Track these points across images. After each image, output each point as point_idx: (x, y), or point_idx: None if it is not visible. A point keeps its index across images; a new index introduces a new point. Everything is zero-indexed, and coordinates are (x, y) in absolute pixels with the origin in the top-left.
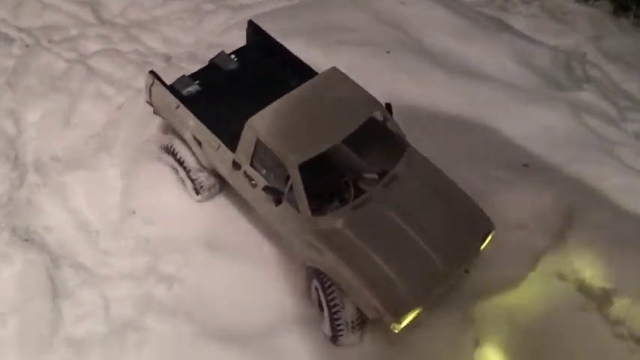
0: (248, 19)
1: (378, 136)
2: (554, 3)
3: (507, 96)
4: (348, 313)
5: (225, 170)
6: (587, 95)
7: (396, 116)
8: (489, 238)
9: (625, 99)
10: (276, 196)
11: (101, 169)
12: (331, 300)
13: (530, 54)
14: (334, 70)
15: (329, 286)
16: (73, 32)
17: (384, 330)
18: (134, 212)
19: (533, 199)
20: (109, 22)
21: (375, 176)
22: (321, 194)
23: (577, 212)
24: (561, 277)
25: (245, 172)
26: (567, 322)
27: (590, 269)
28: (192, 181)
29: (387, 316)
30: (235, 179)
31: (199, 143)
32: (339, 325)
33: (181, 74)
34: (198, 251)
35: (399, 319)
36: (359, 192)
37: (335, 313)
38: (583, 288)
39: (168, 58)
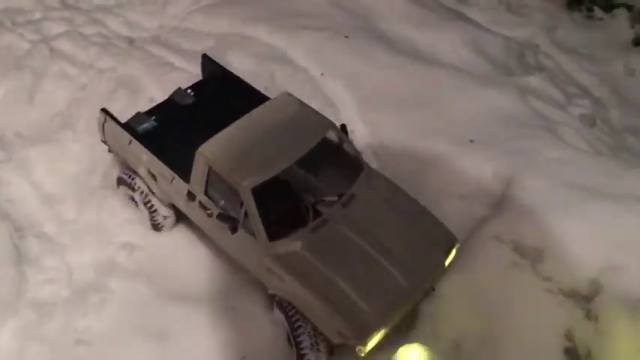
0: (203, 53)
1: (334, 158)
2: None
3: (459, 79)
4: (312, 339)
5: (181, 202)
6: (536, 80)
7: (349, 95)
8: (454, 251)
9: (574, 86)
10: (231, 223)
11: (65, 144)
12: (295, 329)
13: (484, 42)
14: (286, 95)
15: (293, 315)
16: (37, 15)
17: (352, 355)
18: (99, 187)
19: (477, 171)
20: (72, 7)
21: (335, 198)
22: (279, 220)
23: (515, 182)
24: (498, 239)
25: (200, 202)
26: (503, 279)
27: (524, 231)
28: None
29: (352, 339)
30: (191, 210)
31: (154, 177)
32: (303, 353)
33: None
34: None
35: (364, 341)
36: (318, 215)
37: (300, 342)
38: (518, 248)
39: (131, 41)
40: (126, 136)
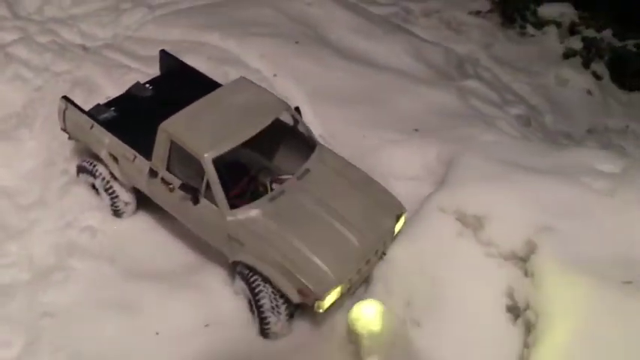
0: (160, 49)
1: (288, 138)
2: (451, 15)
3: (402, 80)
4: (273, 302)
5: (142, 181)
6: (474, 83)
7: (301, 92)
8: (402, 220)
9: (511, 94)
10: (193, 193)
11: (21, 142)
12: (257, 294)
13: (426, 52)
14: (243, 79)
15: (253, 281)
16: None
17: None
18: (58, 178)
19: (422, 155)
20: (24, 17)
21: (290, 177)
22: (239, 193)
23: (455, 161)
24: (443, 210)
25: (162, 178)
26: (449, 246)
27: (465, 202)
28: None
29: (311, 296)
30: (153, 188)
31: (115, 160)
32: (265, 316)
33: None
34: None
35: (323, 297)
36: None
37: (260, 305)
38: (460, 218)
39: (85, 48)
40: (87, 120)
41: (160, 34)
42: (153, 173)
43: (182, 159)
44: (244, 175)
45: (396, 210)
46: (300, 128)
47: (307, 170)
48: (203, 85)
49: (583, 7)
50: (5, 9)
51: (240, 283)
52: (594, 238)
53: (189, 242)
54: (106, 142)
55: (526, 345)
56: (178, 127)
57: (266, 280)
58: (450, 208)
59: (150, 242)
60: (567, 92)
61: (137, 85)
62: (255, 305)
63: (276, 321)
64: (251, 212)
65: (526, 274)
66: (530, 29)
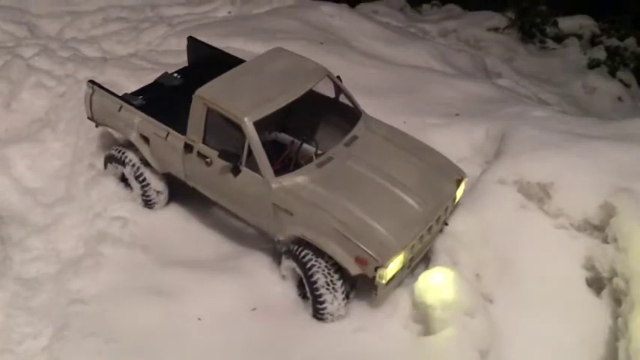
0: (188, 35)
1: (331, 113)
2: (469, 33)
3: (434, 75)
4: (327, 278)
5: (176, 161)
6: (507, 82)
7: None
8: (462, 186)
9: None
10: (234, 160)
11: (45, 143)
12: (308, 269)
13: (452, 56)
14: (279, 48)
15: (304, 256)
16: (10, 44)
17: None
18: (85, 173)
19: (469, 134)
20: (45, 37)
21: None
22: (280, 170)
23: (508, 135)
24: (502, 182)
25: (198, 152)
26: (513, 220)
27: (526, 171)
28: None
29: (371, 262)
30: (189, 165)
31: (147, 141)
32: (319, 294)
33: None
34: None
35: (385, 263)
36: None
37: (314, 282)
38: (522, 189)
39: (105, 59)
40: (116, 102)
41: (183, 44)
42: (188, 148)
43: (220, 128)
44: (285, 149)
45: (456, 174)
46: (343, 97)
47: (355, 137)
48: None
49: (603, 17)
50: (26, 31)
51: (288, 263)
52: None
53: (225, 232)
54: (136, 122)
55: (619, 315)
56: (215, 92)
57: (318, 253)
58: (511, 180)
59: (184, 233)
60: (597, 100)
61: (165, 75)
62: (307, 283)
63: (332, 299)
64: (298, 179)
65: (606, 240)
66: (550, 43)
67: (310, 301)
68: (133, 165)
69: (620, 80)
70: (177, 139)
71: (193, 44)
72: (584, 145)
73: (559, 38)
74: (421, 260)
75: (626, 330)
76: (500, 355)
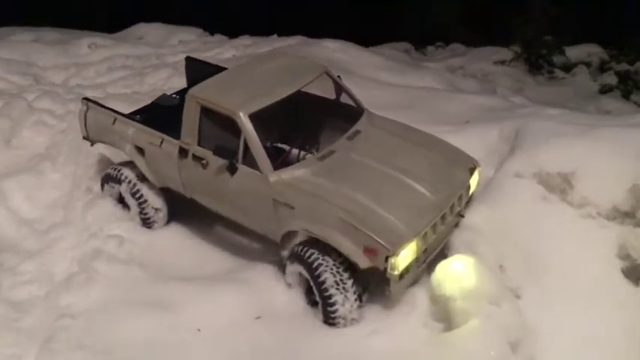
0: (185, 56)
1: (333, 114)
2: (476, 68)
3: (443, 92)
4: (336, 277)
5: (173, 170)
6: (520, 99)
7: None
8: (476, 174)
9: None
10: (230, 157)
11: (44, 174)
12: (315, 269)
13: (459, 82)
14: (277, 50)
15: (309, 256)
16: (14, 91)
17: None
18: (82, 197)
19: (482, 137)
20: (50, 84)
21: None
22: (282, 155)
23: (521, 131)
24: (519, 175)
25: (194, 155)
26: (535, 213)
27: (544, 162)
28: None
29: (381, 251)
30: (186, 172)
31: (142, 152)
32: (329, 295)
33: (122, 105)
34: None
35: (396, 250)
36: None
37: (322, 282)
38: (542, 180)
39: (107, 94)
40: (109, 115)
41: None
42: (183, 153)
43: (215, 128)
44: (284, 151)
45: (468, 163)
46: (344, 96)
47: (358, 131)
48: None
49: (610, 44)
50: (32, 80)
51: (293, 268)
52: None
53: (229, 249)
54: (131, 133)
55: None
56: (209, 90)
57: (325, 251)
58: (529, 172)
59: (185, 250)
60: (613, 120)
61: (163, 96)
62: (315, 285)
63: (343, 300)
64: (297, 172)
65: (639, 224)
66: (559, 73)
67: (320, 306)
68: (129, 182)
69: (635, 102)
70: (172, 145)
71: (191, 64)
72: (602, 132)
73: (567, 67)
74: (437, 257)
75: None
76: (533, 350)
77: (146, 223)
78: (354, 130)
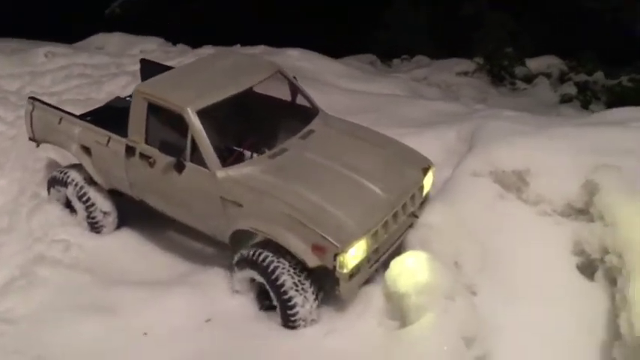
0: (140, 58)
1: (286, 115)
2: (439, 78)
3: (404, 99)
4: (294, 278)
5: (120, 170)
6: (482, 107)
7: None
8: (430, 174)
9: None
10: (177, 155)
11: None
12: (272, 272)
13: (422, 89)
14: (229, 49)
15: (264, 259)
16: None
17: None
18: (27, 202)
19: (440, 138)
20: (2, 92)
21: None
22: (232, 153)
23: (479, 130)
24: (476, 174)
25: (141, 154)
26: (492, 210)
27: (499, 160)
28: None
29: (329, 248)
30: (133, 172)
31: (88, 152)
32: (289, 297)
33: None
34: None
35: (344, 247)
36: None
37: (281, 285)
38: (498, 179)
39: (61, 102)
40: (55, 114)
41: None
42: (130, 151)
43: (162, 125)
44: (235, 151)
45: (422, 162)
46: (299, 96)
47: (311, 131)
48: None
49: (569, 56)
50: None
51: (242, 275)
52: None
53: (181, 254)
54: (77, 132)
55: (616, 293)
56: (156, 86)
57: (279, 253)
58: (485, 171)
59: (135, 255)
60: None
61: (116, 99)
62: (273, 289)
63: (303, 301)
64: (246, 169)
65: (592, 220)
66: (520, 84)
67: (278, 310)
68: (76, 184)
69: (594, 111)
70: (119, 144)
71: (146, 66)
72: (557, 130)
73: (528, 78)
74: (392, 256)
75: (625, 303)
76: (487, 344)
77: (94, 227)
78: (308, 130)
